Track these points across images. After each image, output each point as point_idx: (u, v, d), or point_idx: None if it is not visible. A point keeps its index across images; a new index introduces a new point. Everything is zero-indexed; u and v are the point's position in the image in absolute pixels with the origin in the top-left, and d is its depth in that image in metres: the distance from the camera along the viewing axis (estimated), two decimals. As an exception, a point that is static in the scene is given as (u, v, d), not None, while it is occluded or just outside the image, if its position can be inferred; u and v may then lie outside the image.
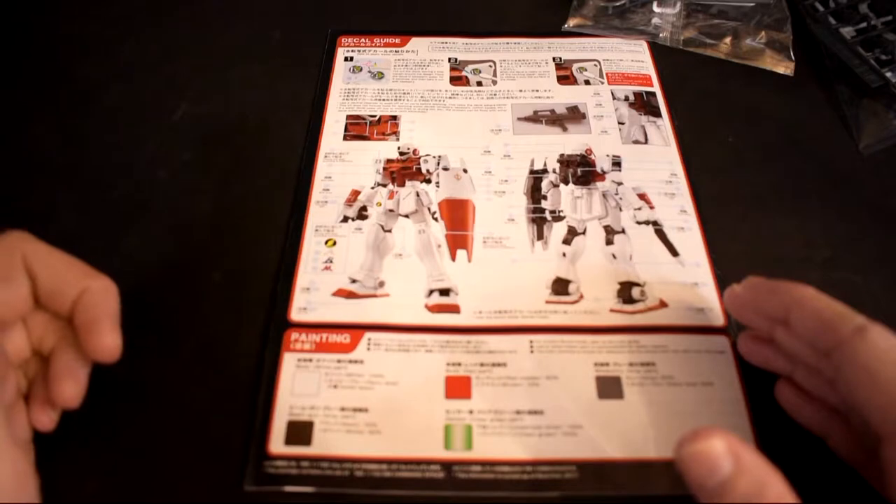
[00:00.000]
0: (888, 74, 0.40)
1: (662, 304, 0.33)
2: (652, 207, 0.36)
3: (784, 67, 0.43)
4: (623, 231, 0.35)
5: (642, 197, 0.36)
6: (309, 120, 0.40)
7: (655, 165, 0.38)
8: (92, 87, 0.42)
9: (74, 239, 0.36)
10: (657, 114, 0.40)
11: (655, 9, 0.45)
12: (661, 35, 0.44)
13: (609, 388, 0.30)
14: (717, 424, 0.29)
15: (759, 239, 0.35)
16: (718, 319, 0.32)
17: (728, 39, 0.44)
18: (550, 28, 0.45)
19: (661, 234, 0.35)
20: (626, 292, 0.33)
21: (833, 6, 0.44)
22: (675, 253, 0.34)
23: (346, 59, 0.44)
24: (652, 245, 0.35)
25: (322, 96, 0.41)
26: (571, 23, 0.45)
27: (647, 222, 0.36)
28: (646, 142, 0.39)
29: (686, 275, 0.34)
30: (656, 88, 0.42)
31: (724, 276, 0.33)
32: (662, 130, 0.39)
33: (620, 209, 0.36)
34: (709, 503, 0.21)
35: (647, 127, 0.40)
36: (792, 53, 0.43)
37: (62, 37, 0.45)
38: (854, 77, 0.40)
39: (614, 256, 0.34)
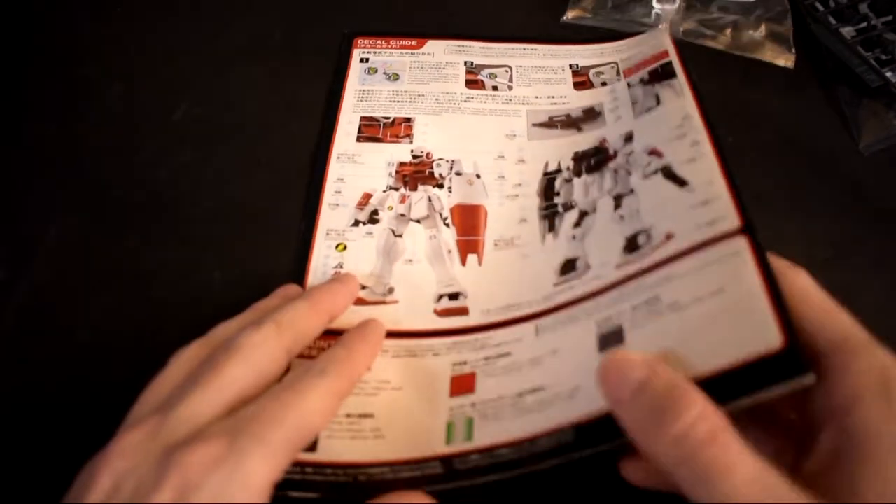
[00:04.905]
0: (888, 74, 0.40)
1: (668, 237, 0.30)
2: (661, 157, 0.33)
3: (784, 60, 0.42)
4: (631, 191, 0.33)
5: (653, 152, 0.34)
6: (322, 120, 0.40)
7: (668, 117, 0.35)
8: (92, 87, 0.42)
9: (75, 239, 0.36)
10: (672, 75, 0.37)
11: (655, 3, 0.45)
12: (660, 27, 0.44)
13: (610, 339, 0.28)
14: (733, 328, 0.25)
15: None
16: (733, 222, 0.28)
17: (728, 31, 0.44)
18: (550, 25, 0.45)
19: (667, 173, 0.32)
20: (632, 243, 0.31)
21: (833, 6, 0.44)
22: (682, 183, 0.31)
23: (361, 60, 0.43)
24: (659, 189, 0.32)
25: (337, 97, 0.41)
26: (570, 14, 0.44)
27: (655, 171, 0.33)
28: (658, 104, 0.36)
29: (694, 198, 0.30)
30: (672, 56, 0.38)
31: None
32: (676, 86, 0.36)
33: (629, 173, 0.34)
34: (626, 416, 0.23)
35: (661, 91, 0.37)
36: (792, 46, 0.43)
37: (62, 37, 0.45)
38: (854, 77, 0.40)
39: (622, 217, 0.33)
